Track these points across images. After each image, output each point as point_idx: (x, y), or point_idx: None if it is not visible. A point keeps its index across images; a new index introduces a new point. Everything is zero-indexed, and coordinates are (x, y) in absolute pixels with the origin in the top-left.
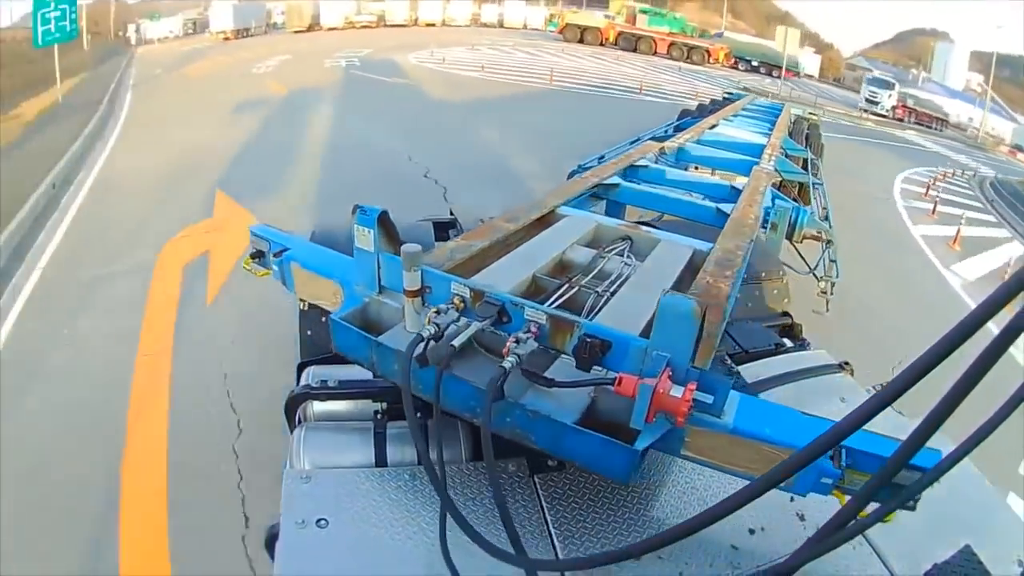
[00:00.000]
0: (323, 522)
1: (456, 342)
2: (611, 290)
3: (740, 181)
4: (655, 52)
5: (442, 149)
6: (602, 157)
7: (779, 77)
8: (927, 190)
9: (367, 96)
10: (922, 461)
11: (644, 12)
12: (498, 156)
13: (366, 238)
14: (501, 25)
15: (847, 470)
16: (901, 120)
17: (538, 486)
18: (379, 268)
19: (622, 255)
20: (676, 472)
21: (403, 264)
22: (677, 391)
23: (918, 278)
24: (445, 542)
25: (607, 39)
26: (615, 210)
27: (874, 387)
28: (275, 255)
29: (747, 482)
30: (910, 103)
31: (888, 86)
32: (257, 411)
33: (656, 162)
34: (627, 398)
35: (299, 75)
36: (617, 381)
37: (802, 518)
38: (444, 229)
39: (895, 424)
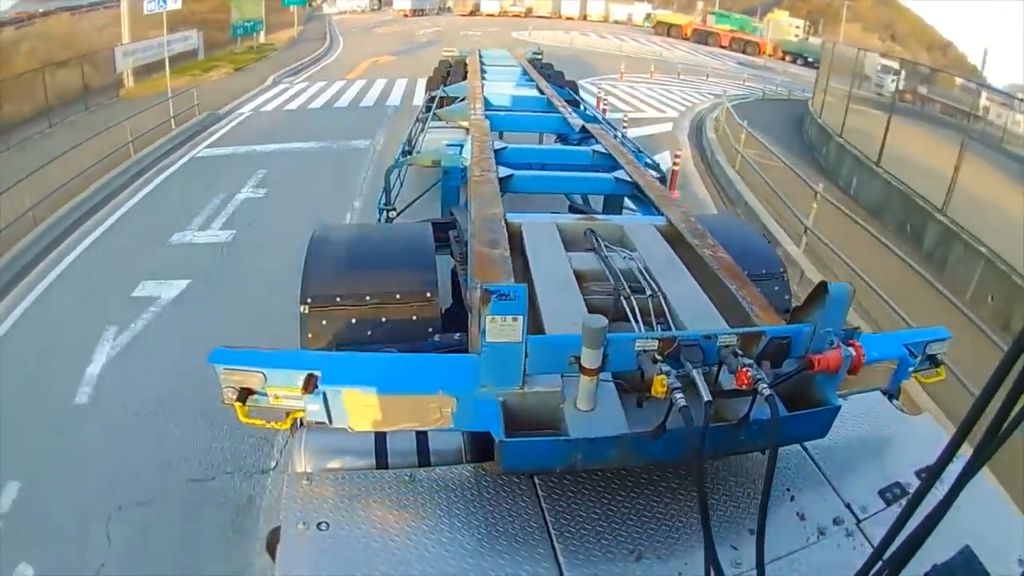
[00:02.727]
0: (324, 524)
1: (706, 396)
2: (655, 288)
3: (551, 142)
4: (720, 45)
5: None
6: (407, 152)
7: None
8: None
9: (462, 42)
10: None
11: (712, 14)
12: None
13: (511, 328)
14: (630, 22)
15: (919, 357)
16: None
17: (538, 485)
18: (525, 357)
19: (613, 250)
20: (675, 468)
21: (587, 342)
22: (849, 352)
23: None
24: None
25: (686, 34)
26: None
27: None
28: (305, 388)
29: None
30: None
31: (893, 72)
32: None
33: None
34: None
35: (440, 36)
36: (813, 363)
37: (802, 517)
38: (444, 230)
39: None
